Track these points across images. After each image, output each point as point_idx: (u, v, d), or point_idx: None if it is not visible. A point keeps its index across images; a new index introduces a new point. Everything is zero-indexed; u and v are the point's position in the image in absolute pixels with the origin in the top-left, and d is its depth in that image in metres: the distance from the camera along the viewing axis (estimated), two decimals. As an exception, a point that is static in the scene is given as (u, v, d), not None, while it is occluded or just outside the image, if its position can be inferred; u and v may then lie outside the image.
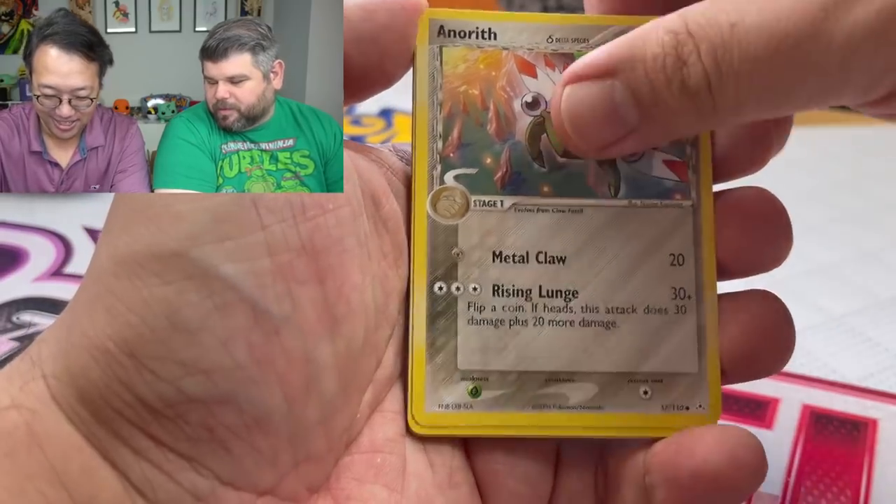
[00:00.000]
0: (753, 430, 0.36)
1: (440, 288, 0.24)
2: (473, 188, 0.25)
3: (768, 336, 0.24)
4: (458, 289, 0.24)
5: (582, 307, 0.25)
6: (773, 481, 0.33)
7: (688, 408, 0.25)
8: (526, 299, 0.25)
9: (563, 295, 0.25)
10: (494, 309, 0.24)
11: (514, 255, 0.25)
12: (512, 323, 0.24)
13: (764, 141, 0.26)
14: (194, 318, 0.20)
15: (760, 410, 0.37)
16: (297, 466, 0.22)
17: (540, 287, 0.25)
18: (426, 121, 0.25)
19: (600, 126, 0.22)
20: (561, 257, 0.25)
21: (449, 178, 0.25)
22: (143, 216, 0.21)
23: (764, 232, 0.25)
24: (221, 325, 0.20)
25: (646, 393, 0.25)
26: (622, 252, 0.25)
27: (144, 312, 0.20)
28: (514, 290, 0.25)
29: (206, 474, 0.21)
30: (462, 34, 0.25)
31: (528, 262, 0.25)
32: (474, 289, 0.25)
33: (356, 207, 0.23)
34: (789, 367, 0.40)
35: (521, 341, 0.24)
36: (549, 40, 0.25)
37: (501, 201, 0.25)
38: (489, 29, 0.25)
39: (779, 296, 0.25)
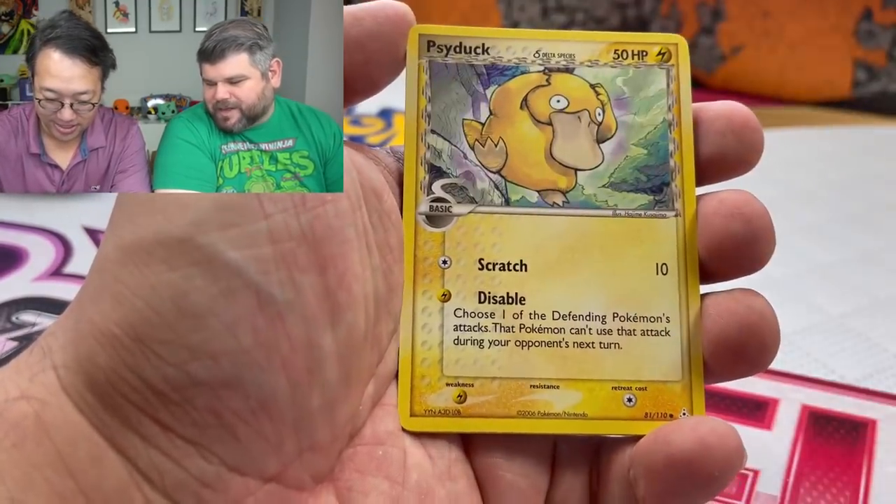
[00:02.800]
0: (753, 430, 0.36)
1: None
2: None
3: (752, 334, 0.24)
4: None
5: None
6: (773, 482, 0.33)
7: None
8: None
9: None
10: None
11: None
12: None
13: (752, 143, 0.26)
14: (201, 302, 0.20)
15: (760, 411, 0.37)
16: (302, 454, 0.22)
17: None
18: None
19: None
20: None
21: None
22: (149, 207, 0.21)
23: (745, 234, 0.25)
24: (227, 310, 0.21)
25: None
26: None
27: (151, 297, 0.20)
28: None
29: (212, 460, 0.21)
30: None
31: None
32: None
33: (355, 200, 0.23)
34: (788, 367, 0.40)
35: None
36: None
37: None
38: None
39: (765, 294, 0.25)
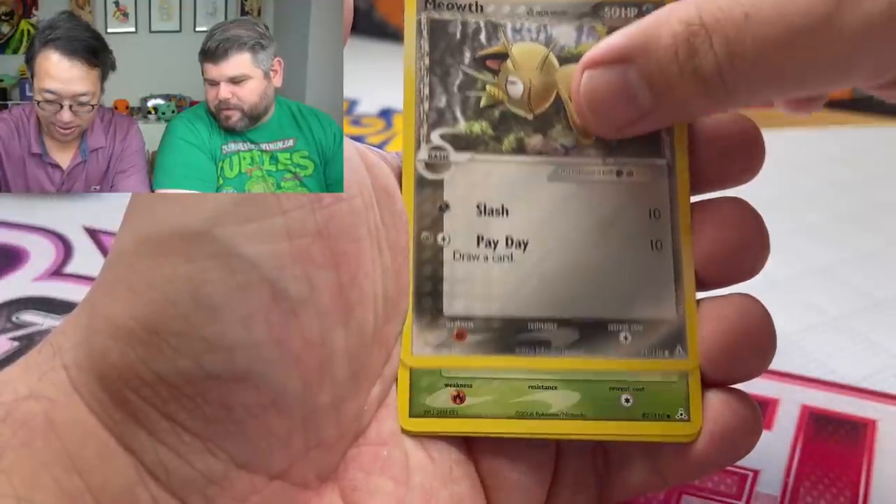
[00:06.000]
0: (753, 430, 0.36)
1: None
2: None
3: (748, 339, 0.24)
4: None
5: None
6: (773, 482, 0.33)
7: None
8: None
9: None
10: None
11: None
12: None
13: (757, 153, 0.26)
14: (217, 295, 0.21)
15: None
16: (308, 451, 0.23)
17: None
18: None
19: (617, 108, 0.23)
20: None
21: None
22: (166, 200, 0.21)
23: (739, 241, 0.25)
24: (242, 304, 0.21)
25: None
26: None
27: (168, 289, 0.20)
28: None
29: (220, 456, 0.21)
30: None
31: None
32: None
33: (367, 199, 0.23)
34: (788, 367, 0.40)
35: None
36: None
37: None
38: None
39: (765, 294, 0.25)
